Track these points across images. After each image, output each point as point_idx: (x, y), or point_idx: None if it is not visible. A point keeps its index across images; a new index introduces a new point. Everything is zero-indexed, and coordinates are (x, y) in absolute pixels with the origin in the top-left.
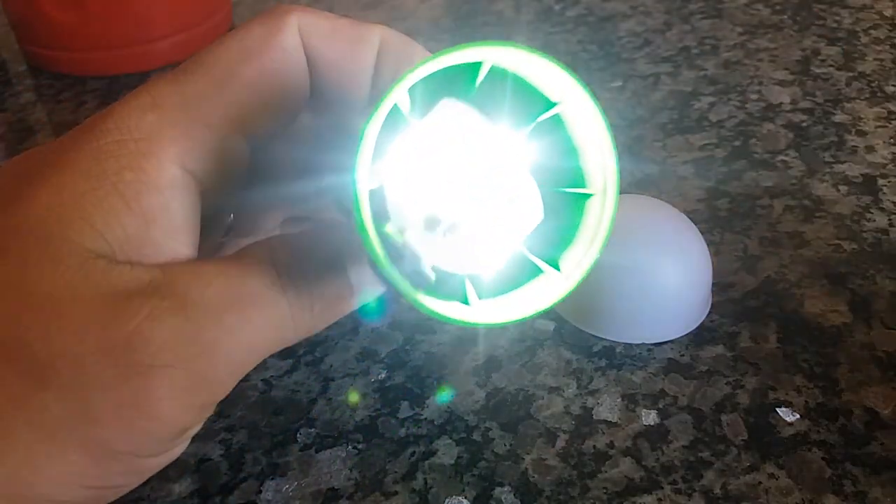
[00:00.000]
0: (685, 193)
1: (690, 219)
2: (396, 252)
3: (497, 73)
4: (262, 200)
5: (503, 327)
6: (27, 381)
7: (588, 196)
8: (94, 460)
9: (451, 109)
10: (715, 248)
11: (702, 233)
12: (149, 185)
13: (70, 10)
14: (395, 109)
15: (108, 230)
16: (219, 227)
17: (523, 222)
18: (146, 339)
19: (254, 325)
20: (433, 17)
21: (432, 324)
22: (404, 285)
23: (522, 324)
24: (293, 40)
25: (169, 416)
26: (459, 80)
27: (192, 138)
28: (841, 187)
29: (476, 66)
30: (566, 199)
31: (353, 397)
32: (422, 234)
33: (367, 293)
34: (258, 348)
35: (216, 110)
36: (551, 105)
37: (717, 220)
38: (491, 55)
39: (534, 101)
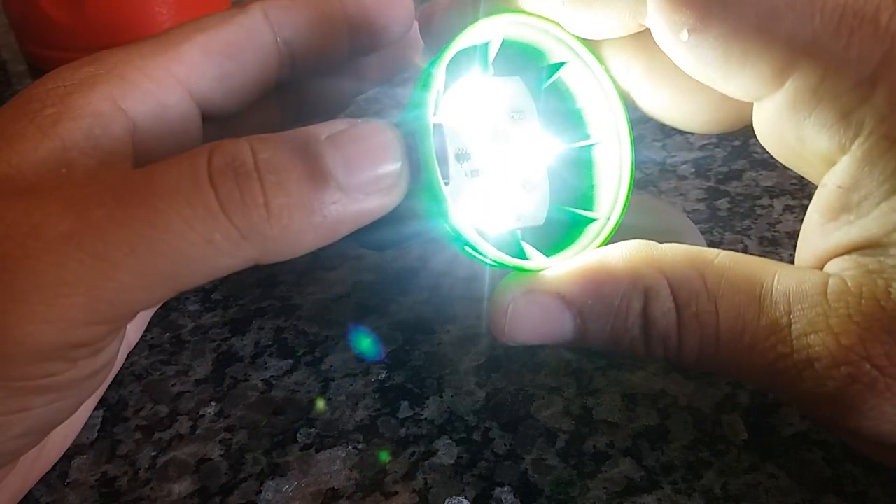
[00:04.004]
0: (685, 193)
1: (690, 219)
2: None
3: (510, 44)
4: None
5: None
6: None
7: (590, 220)
8: None
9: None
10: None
11: (702, 233)
12: (68, 114)
13: (70, 10)
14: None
15: (18, 156)
16: None
17: (525, 215)
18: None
19: (156, 242)
20: None
21: (432, 324)
22: (466, 226)
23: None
24: (253, 21)
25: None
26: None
27: (127, 81)
28: None
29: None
30: (578, 158)
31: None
32: (455, 167)
33: (362, 202)
34: (165, 268)
35: (159, 65)
36: (558, 67)
37: (717, 220)
38: (507, 29)
39: (542, 68)
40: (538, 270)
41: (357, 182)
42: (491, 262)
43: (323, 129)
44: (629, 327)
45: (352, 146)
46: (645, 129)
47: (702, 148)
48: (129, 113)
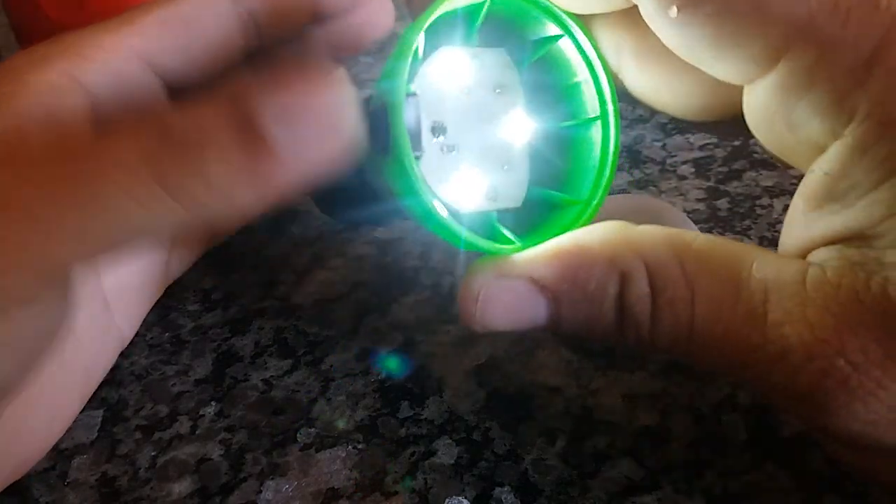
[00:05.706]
0: (685, 193)
1: (690, 219)
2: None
3: (496, 14)
4: None
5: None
6: None
7: (571, 203)
8: None
9: (455, 51)
10: None
11: (702, 233)
12: (23, 91)
13: (70, 10)
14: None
15: None
16: None
17: (502, 195)
18: None
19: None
20: None
21: (432, 324)
22: (432, 199)
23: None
24: None
25: None
26: (460, 25)
27: (82, 56)
28: None
29: (476, 14)
30: (564, 141)
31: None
32: (429, 140)
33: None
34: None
35: (115, 39)
36: (546, 41)
37: (717, 220)
38: None
39: (529, 41)
40: (511, 252)
41: (297, 141)
42: (463, 243)
43: (259, 84)
44: (604, 313)
45: (291, 100)
46: (645, 129)
47: (702, 148)
48: (87, 87)
